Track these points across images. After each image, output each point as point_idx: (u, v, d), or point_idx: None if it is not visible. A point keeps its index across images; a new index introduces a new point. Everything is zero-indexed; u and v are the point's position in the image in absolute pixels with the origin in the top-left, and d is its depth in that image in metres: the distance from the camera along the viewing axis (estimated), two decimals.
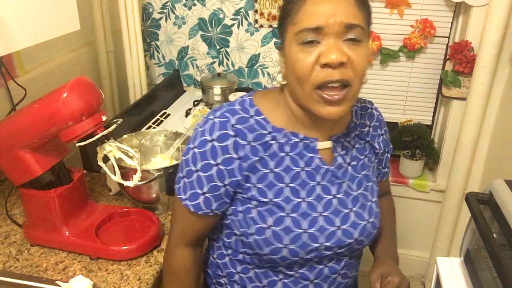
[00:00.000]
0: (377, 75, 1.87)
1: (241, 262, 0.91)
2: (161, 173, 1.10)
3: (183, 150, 1.27)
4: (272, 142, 0.82)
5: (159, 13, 1.94)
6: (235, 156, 0.80)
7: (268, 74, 1.94)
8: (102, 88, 1.86)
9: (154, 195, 1.15)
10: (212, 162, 0.81)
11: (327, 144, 0.86)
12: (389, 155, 1.01)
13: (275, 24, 1.83)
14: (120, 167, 1.02)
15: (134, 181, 1.00)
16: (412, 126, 1.87)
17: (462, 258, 0.96)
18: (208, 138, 0.80)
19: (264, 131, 0.82)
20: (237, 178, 0.81)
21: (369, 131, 0.94)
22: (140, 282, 0.96)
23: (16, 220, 1.15)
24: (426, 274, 2.05)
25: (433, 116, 1.91)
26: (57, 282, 0.94)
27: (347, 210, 0.87)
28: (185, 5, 1.90)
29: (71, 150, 1.07)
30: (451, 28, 1.72)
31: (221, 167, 0.81)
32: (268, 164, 0.82)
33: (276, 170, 0.83)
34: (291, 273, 0.88)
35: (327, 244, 0.84)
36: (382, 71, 1.86)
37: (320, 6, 0.73)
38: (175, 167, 1.14)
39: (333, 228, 0.85)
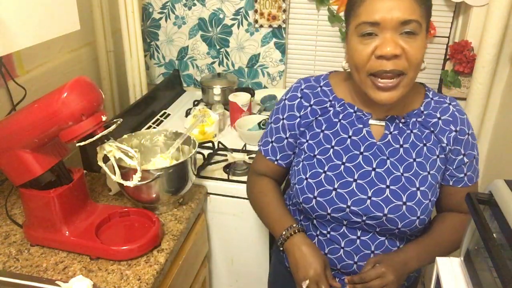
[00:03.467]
0: None
1: (293, 213, 1.05)
2: (161, 173, 1.10)
3: (183, 151, 1.28)
4: (330, 108, 0.97)
5: (159, 13, 1.94)
6: (297, 114, 0.98)
7: (268, 74, 1.94)
8: (102, 88, 1.86)
9: (154, 195, 1.15)
10: (280, 116, 1.00)
11: (380, 122, 0.94)
12: (466, 159, 0.95)
13: (275, 24, 1.83)
14: (120, 167, 1.02)
15: (134, 181, 1.00)
16: None
17: (462, 258, 0.96)
18: (284, 97, 1.01)
19: (326, 99, 0.97)
20: (295, 132, 0.99)
21: (437, 122, 0.94)
22: (140, 282, 0.96)
23: (16, 220, 1.15)
24: (426, 274, 2.05)
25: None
26: (57, 282, 0.94)
27: (383, 186, 0.91)
28: (185, 5, 1.90)
29: (71, 150, 1.07)
30: (451, 28, 1.72)
31: (286, 121, 0.99)
32: (322, 125, 0.97)
33: (326, 132, 0.96)
34: (324, 231, 0.97)
35: (354, 208, 0.90)
36: None
37: (379, 2, 0.80)
38: (175, 167, 1.14)
39: (363, 196, 0.91)
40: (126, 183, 1.01)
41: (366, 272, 0.89)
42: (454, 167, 0.96)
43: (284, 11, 1.79)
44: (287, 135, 1.00)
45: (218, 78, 1.85)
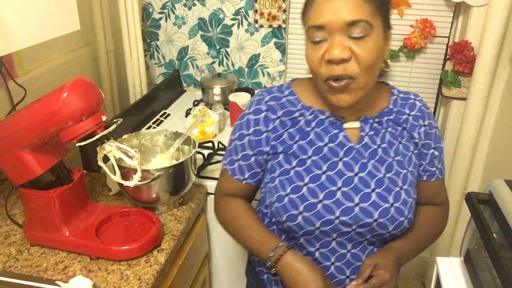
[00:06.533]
0: None
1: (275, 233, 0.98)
2: (161, 173, 1.10)
3: (183, 151, 1.28)
4: (300, 118, 0.92)
5: (159, 13, 1.94)
6: (263, 129, 0.92)
7: (268, 74, 1.94)
8: (102, 88, 1.86)
9: (154, 195, 1.15)
10: (245, 132, 0.93)
11: (354, 123, 0.91)
12: (436, 152, 0.97)
13: (275, 24, 1.83)
14: (120, 167, 1.02)
15: (134, 181, 1.00)
16: None
17: (462, 258, 0.96)
18: (246, 111, 0.95)
19: (294, 108, 0.92)
20: (264, 149, 0.92)
21: (407, 119, 0.94)
22: (140, 282, 0.96)
23: (16, 220, 1.15)
24: (426, 274, 2.05)
25: (433, 116, 1.91)
26: (57, 282, 0.94)
27: (369, 190, 0.88)
28: (185, 5, 1.90)
29: (71, 150, 1.07)
30: (451, 28, 1.72)
31: (251, 137, 0.93)
32: (294, 137, 0.91)
33: (300, 142, 0.91)
34: (312, 249, 0.91)
35: (343, 218, 0.86)
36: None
37: (325, 4, 0.79)
38: (175, 167, 1.14)
39: (351, 204, 0.87)
40: (126, 183, 1.01)
41: (371, 282, 0.87)
42: (427, 161, 0.96)
43: (284, 11, 1.79)
44: (254, 152, 0.93)
45: (218, 78, 1.85)
